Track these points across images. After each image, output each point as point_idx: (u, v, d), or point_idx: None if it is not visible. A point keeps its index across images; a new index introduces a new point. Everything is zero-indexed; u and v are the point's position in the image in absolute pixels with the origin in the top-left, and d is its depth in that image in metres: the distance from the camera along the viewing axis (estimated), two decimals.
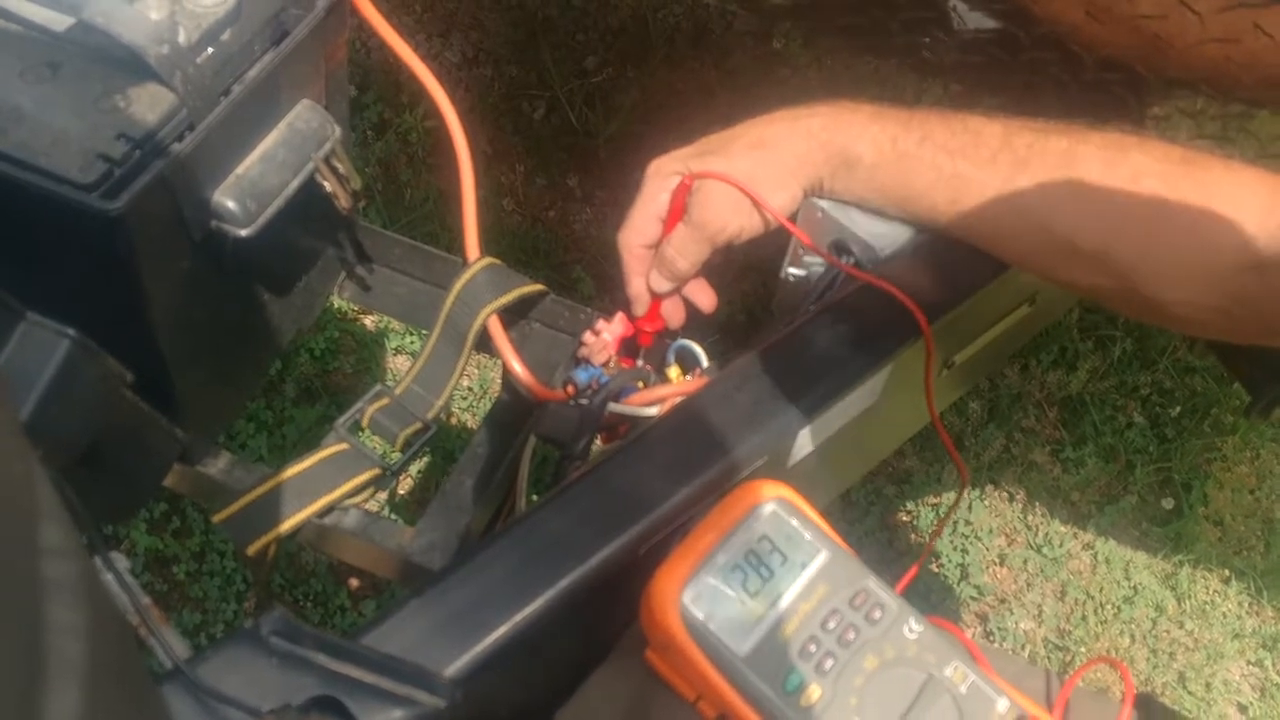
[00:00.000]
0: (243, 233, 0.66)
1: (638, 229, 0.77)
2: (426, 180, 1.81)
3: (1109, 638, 1.65)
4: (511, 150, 1.89)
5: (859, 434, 0.79)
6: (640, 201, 0.77)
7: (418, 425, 0.80)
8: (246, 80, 0.65)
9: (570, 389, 0.77)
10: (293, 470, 0.74)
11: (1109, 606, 1.67)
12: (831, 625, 0.57)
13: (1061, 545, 1.71)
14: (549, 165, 1.88)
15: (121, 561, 0.58)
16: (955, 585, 1.67)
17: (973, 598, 1.66)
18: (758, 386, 0.71)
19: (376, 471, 0.76)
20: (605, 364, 0.79)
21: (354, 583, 1.54)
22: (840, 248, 0.78)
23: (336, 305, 1.62)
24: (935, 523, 1.69)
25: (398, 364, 1.71)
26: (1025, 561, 1.69)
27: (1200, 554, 1.72)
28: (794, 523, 0.60)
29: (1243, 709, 1.62)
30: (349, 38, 0.74)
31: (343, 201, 0.75)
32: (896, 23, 1.16)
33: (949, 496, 1.71)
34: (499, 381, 0.84)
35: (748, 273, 1.66)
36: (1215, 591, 1.71)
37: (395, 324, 1.69)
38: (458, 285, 0.79)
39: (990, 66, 1.15)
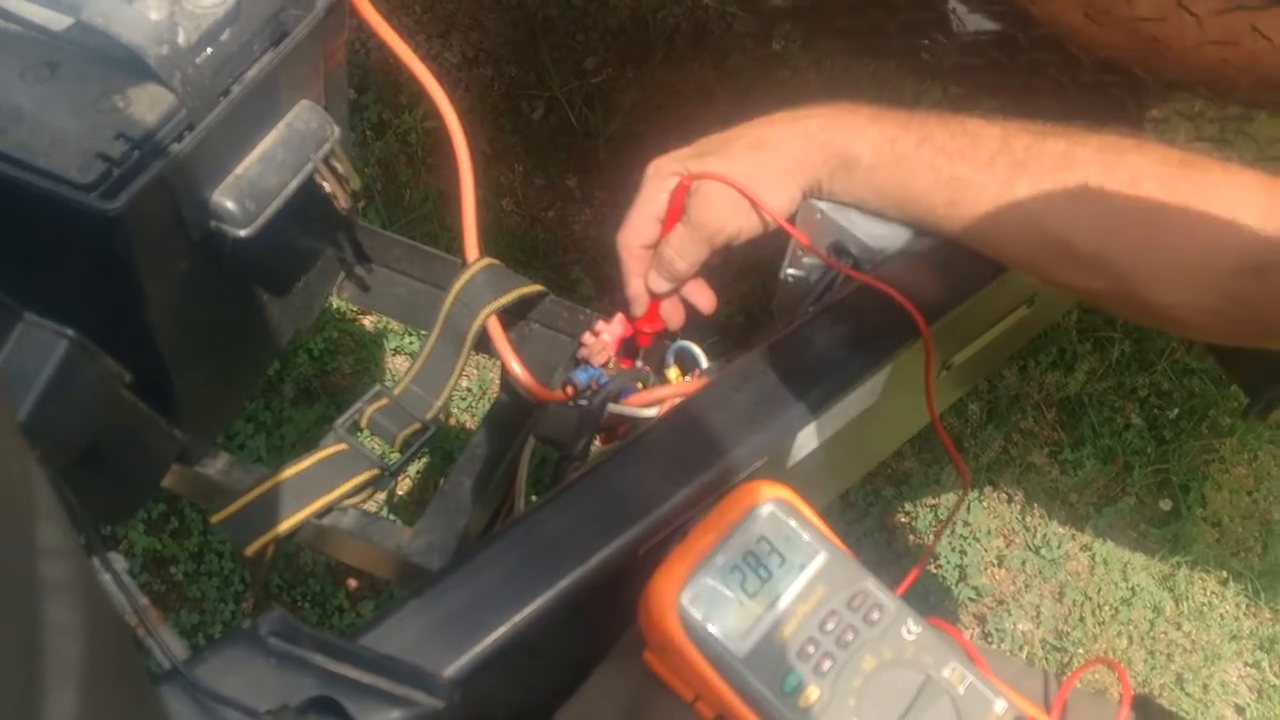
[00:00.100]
0: (242, 233, 0.66)
1: (636, 229, 0.77)
2: (426, 180, 1.81)
3: (1107, 639, 1.65)
4: (511, 150, 1.89)
5: (858, 435, 0.79)
6: (639, 202, 0.77)
7: (416, 426, 0.80)
8: (246, 80, 0.65)
9: (569, 390, 0.77)
10: (291, 471, 0.74)
11: (1107, 608, 1.67)
12: (830, 626, 0.57)
13: (1059, 546, 1.71)
14: (548, 165, 1.88)
15: (119, 562, 0.58)
16: (953, 586, 1.67)
17: (971, 599, 1.66)
18: (757, 387, 0.71)
19: (375, 472, 0.76)
20: (604, 365, 0.79)
21: (352, 583, 1.53)
22: (839, 249, 0.78)
23: (335, 305, 1.62)
24: (934, 524, 1.69)
25: (397, 364, 1.71)
26: (1023, 563, 1.69)
27: (1198, 555, 1.72)
28: (792, 524, 0.60)
29: (1240, 710, 1.62)
30: (348, 38, 0.74)
31: (342, 202, 0.75)
32: (896, 25, 1.16)
33: (947, 498, 1.71)
34: (498, 382, 0.84)
35: (747, 274, 1.66)
36: (1213, 593, 1.71)
37: (394, 324, 1.69)
38: (457, 286, 0.79)
39: (989, 68, 1.16)
